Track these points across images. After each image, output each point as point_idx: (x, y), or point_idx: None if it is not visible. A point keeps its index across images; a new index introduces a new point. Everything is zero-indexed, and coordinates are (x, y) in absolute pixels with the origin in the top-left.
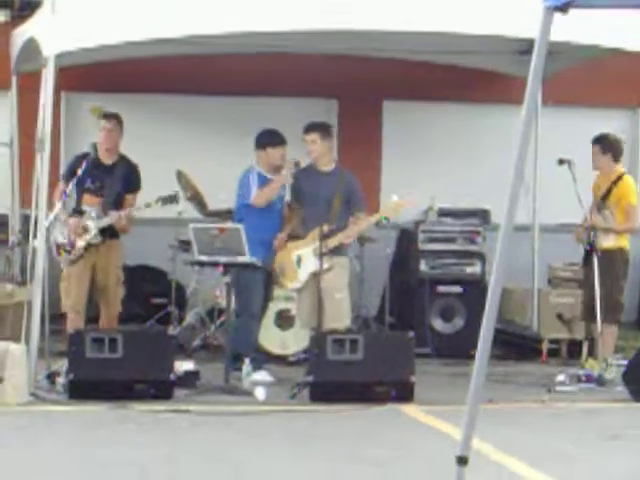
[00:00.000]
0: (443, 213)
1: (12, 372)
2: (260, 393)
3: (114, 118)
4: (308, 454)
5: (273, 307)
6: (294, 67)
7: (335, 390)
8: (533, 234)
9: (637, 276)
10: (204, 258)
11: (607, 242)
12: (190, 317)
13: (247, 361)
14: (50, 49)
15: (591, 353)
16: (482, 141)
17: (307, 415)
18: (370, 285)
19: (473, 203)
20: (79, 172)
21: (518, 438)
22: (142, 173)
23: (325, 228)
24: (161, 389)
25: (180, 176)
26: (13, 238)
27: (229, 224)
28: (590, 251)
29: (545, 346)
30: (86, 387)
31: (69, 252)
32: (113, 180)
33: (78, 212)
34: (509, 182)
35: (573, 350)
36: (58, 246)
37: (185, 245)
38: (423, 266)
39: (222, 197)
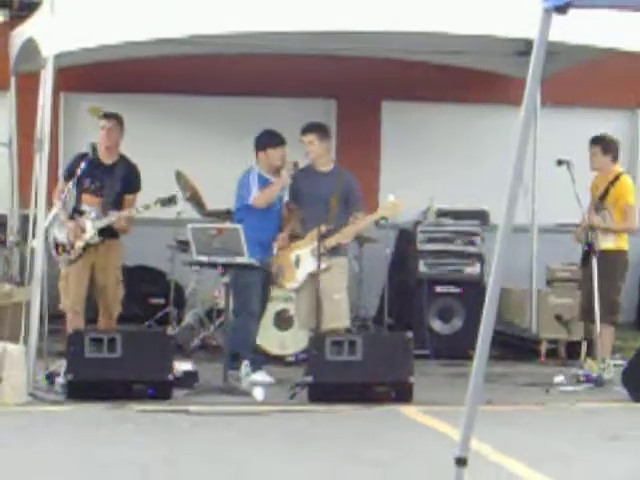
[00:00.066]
0: (442, 214)
1: (11, 372)
2: (259, 393)
3: (114, 118)
4: (307, 454)
5: (272, 307)
6: (293, 67)
7: (334, 390)
8: (532, 235)
9: (636, 277)
10: (203, 258)
11: (606, 243)
12: (189, 317)
13: (246, 362)
14: (49, 49)
15: (589, 354)
16: (481, 142)
17: (306, 415)
18: (369, 285)
19: (472, 204)
20: (78, 172)
21: (517, 439)
22: (142, 173)
23: (323, 228)
24: (160, 389)
25: (179, 176)
26: (12, 238)
27: (228, 224)
28: (588, 251)
29: (543, 347)
30: (85, 387)
31: (68, 252)
32: (113, 180)
33: (78, 212)
34: (508, 183)
35: (571, 351)
36: (57, 245)
37: (184, 245)
38: (422, 267)
39: (222, 197)
